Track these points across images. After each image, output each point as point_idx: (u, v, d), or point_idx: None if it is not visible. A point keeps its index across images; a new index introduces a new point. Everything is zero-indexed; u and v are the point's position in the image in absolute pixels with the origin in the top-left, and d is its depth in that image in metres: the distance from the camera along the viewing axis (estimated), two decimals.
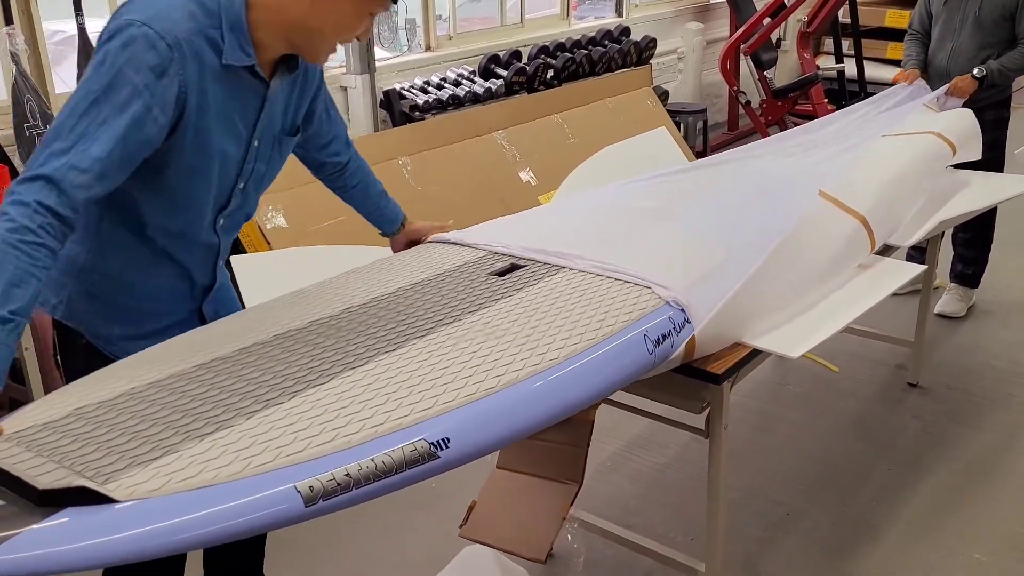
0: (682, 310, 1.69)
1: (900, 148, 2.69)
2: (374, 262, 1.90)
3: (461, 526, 1.94)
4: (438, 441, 1.22)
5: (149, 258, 1.52)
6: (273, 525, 1.09)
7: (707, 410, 1.88)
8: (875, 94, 3.27)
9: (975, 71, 3.30)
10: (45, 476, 1.05)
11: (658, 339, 1.58)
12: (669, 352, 1.62)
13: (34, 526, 1.00)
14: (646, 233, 2.02)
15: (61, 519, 1.01)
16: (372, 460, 1.15)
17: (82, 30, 3.07)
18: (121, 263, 1.50)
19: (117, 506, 1.03)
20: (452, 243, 1.97)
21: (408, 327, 1.50)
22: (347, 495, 1.13)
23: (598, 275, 1.77)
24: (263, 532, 1.10)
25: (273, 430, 1.18)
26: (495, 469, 1.96)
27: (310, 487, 1.10)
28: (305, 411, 1.23)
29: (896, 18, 6.60)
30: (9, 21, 2.90)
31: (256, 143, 1.53)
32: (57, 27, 3.75)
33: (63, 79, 3.19)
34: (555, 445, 1.83)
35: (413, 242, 1.98)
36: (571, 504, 1.82)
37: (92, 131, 1.28)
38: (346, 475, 1.13)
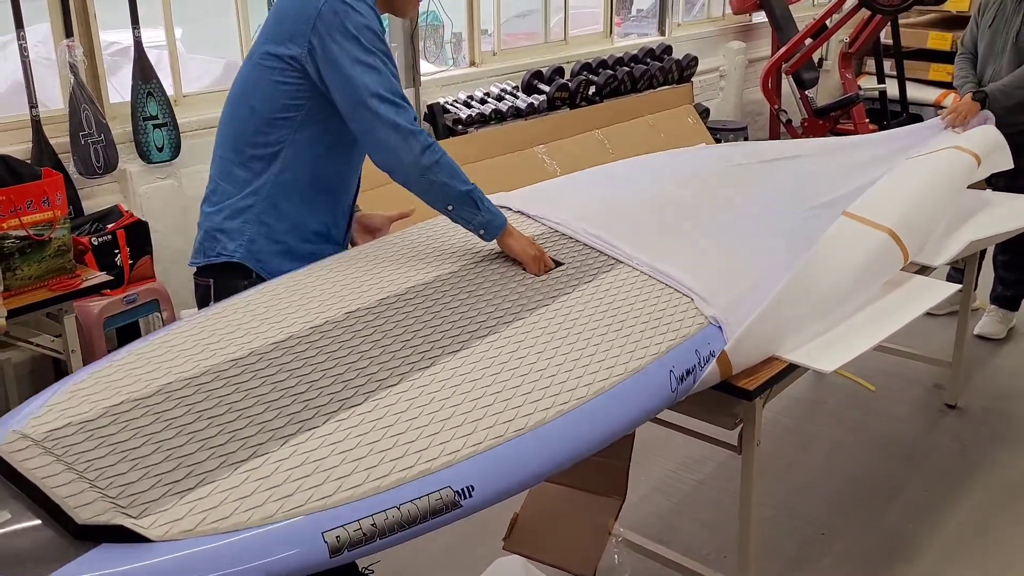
0: (719, 327, 1.70)
1: (921, 163, 2.67)
2: (405, 233, 1.96)
3: (505, 539, 1.95)
4: (462, 489, 1.22)
5: (316, 202, 1.80)
6: (299, 572, 1.11)
7: (740, 426, 1.88)
8: (917, 114, 3.22)
9: (975, 92, 3.19)
10: (85, 509, 1.06)
11: (683, 375, 1.58)
12: (691, 387, 1.62)
13: (69, 565, 1.01)
14: (696, 230, 2.08)
15: (96, 558, 1.02)
16: (398, 510, 1.16)
17: (138, 43, 3.18)
18: (294, 207, 1.77)
19: (151, 546, 1.04)
20: (510, 209, 2.03)
21: (443, 337, 1.50)
22: (371, 545, 1.15)
23: (643, 274, 1.80)
24: None
25: (306, 464, 1.19)
26: None
27: (337, 537, 1.11)
28: (338, 442, 1.24)
29: (938, 40, 6.53)
30: (69, 34, 3.01)
31: None
32: (112, 38, 3.87)
33: (116, 89, 3.29)
34: (597, 459, 1.84)
35: (371, 233, 2.04)
36: (615, 519, 1.83)
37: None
38: (372, 525, 1.14)
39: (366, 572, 2.25)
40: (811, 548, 2.44)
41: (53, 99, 3.17)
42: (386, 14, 1.85)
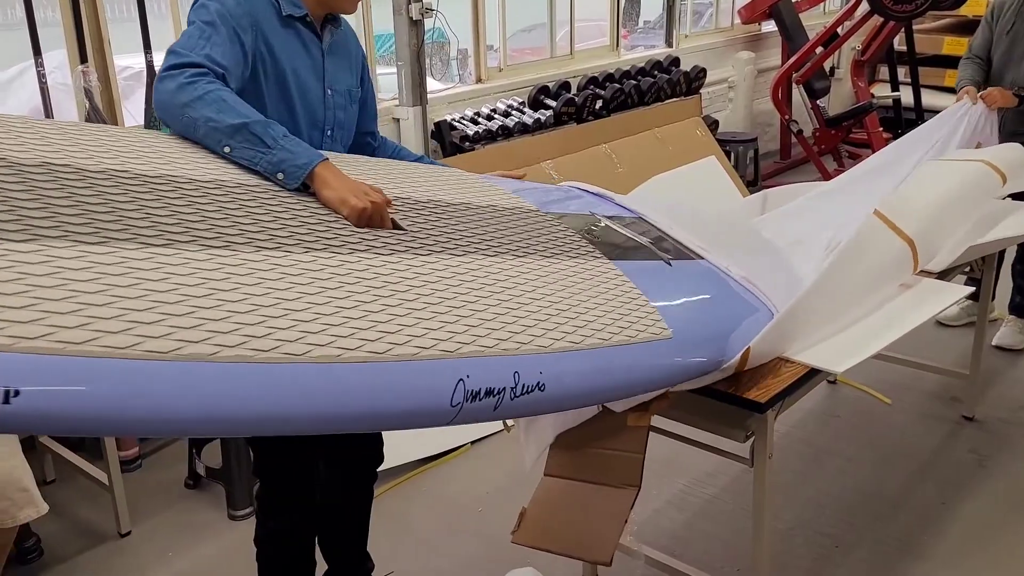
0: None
1: (951, 172, 2.66)
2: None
3: (513, 532, 1.91)
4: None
5: None
6: None
7: (751, 439, 1.88)
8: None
9: (1016, 88, 3.21)
10: None
11: (476, 393, 1.22)
12: (488, 413, 1.27)
13: None
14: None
15: None
16: None
17: (151, 67, 3.22)
18: None
19: None
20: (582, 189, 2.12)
21: (257, 227, 1.26)
22: None
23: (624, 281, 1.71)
24: None
25: None
26: (543, 476, 1.95)
27: None
28: None
29: (954, 46, 6.51)
30: (84, 59, 3.06)
31: (330, 92, 1.80)
32: (126, 63, 3.93)
33: (131, 113, 3.34)
34: (609, 452, 1.80)
35: None
36: (631, 508, 1.79)
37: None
38: None
39: None
40: (825, 562, 2.42)
41: None
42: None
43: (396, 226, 1.49)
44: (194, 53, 1.50)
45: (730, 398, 1.74)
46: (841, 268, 1.95)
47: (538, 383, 1.30)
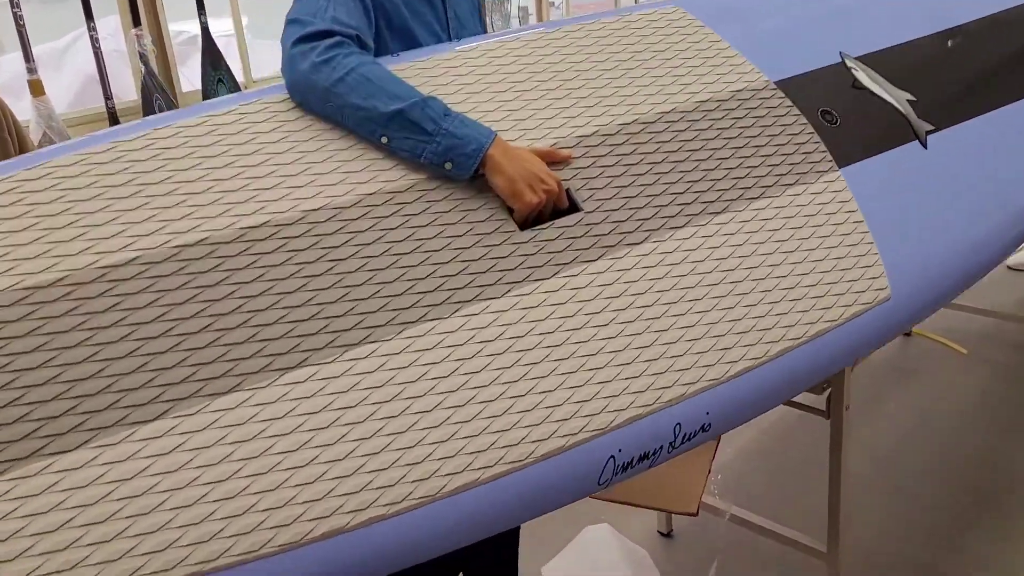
0: None
1: None
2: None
3: None
4: None
5: None
6: None
7: (828, 391, 1.83)
8: None
9: None
10: None
11: (629, 463, 1.05)
12: (636, 474, 1.10)
13: None
14: None
15: None
16: None
17: (205, 29, 3.22)
18: None
19: None
20: None
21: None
22: None
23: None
24: None
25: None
26: None
27: None
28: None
29: None
30: (137, 23, 3.07)
31: (454, 28, 1.57)
32: (181, 27, 3.94)
33: (188, 78, 3.35)
34: None
35: None
36: (712, 459, 1.76)
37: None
38: None
39: None
40: (902, 519, 2.37)
41: (126, 91, 3.25)
42: None
43: (572, 204, 1.25)
44: (319, 18, 1.28)
45: None
46: None
47: (702, 425, 1.08)
